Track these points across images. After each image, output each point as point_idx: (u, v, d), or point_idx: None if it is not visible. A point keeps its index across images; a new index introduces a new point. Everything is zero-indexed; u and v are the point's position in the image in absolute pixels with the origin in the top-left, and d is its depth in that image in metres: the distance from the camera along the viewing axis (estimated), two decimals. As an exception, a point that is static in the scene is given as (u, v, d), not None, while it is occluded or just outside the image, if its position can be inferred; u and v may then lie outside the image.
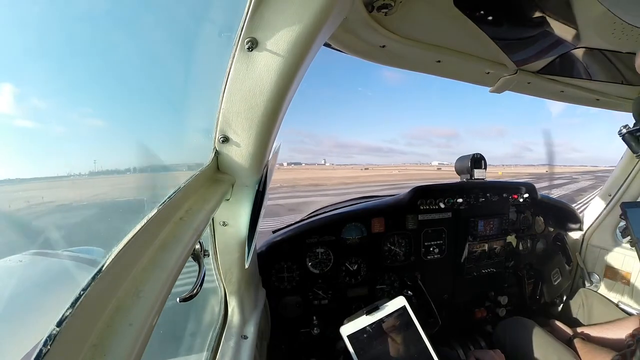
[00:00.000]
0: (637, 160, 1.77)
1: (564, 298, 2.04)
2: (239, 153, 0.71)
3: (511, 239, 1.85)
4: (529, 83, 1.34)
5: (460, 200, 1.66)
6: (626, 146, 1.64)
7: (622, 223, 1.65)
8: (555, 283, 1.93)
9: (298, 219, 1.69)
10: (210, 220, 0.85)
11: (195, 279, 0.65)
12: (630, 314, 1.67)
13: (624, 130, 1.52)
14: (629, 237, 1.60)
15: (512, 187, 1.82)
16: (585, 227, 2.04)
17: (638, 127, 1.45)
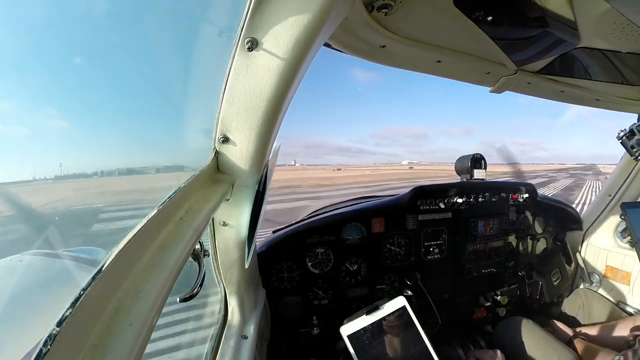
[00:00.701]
0: (637, 161, 1.77)
1: (564, 298, 2.04)
2: (239, 153, 0.71)
3: (511, 239, 1.85)
4: (529, 83, 1.34)
5: (460, 200, 1.66)
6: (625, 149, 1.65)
7: (622, 223, 1.65)
8: (555, 283, 1.93)
9: (296, 221, 1.70)
10: (210, 220, 0.85)
11: (195, 279, 0.65)
12: (630, 314, 1.67)
13: (622, 134, 1.54)
14: (629, 237, 1.60)
15: (512, 187, 1.82)
16: (585, 227, 2.04)
17: (629, 132, 1.47)
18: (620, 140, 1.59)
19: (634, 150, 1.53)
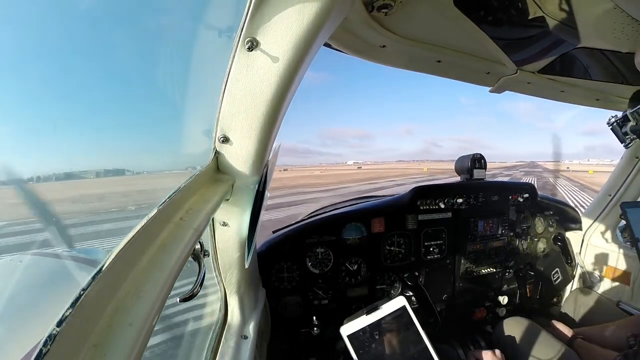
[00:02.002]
0: (637, 160, 1.77)
1: (564, 298, 2.04)
2: (239, 153, 0.71)
3: (511, 239, 1.86)
4: (529, 83, 1.34)
5: (460, 200, 1.66)
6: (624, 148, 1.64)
7: (622, 223, 1.65)
8: (555, 283, 1.93)
9: (299, 219, 1.70)
10: (210, 220, 0.85)
11: (195, 279, 0.65)
12: (630, 314, 1.67)
13: (612, 120, 1.51)
14: (628, 237, 1.60)
15: (512, 187, 1.82)
16: (585, 227, 2.04)
17: (622, 118, 1.44)
18: (611, 127, 1.56)
19: (627, 137, 1.50)
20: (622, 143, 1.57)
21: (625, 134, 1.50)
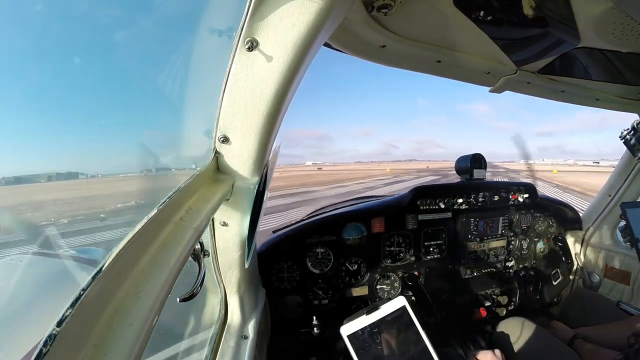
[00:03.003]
0: (637, 160, 1.77)
1: (564, 298, 2.04)
2: (239, 153, 0.71)
3: (511, 239, 1.86)
4: (528, 83, 1.34)
5: (460, 200, 1.66)
6: (625, 148, 1.64)
7: (622, 223, 1.65)
8: (555, 283, 1.93)
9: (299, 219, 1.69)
10: (210, 221, 0.85)
11: (195, 279, 0.65)
12: (630, 314, 1.67)
13: (624, 133, 1.53)
14: (628, 237, 1.60)
15: (512, 187, 1.82)
16: (585, 227, 2.04)
17: (632, 130, 1.46)
18: (623, 140, 1.58)
19: (636, 149, 1.52)
20: (635, 156, 1.59)
21: (635, 145, 1.52)
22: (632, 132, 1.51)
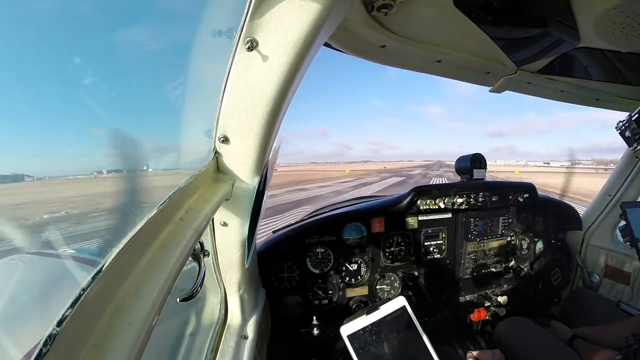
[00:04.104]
0: (637, 160, 1.77)
1: (564, 298, 2.04)
2: (239, 153, 0.71)
3: (511, 238, 1.86)
4: (529, 83, 1.34)
5: (460, 200, 1.66)
6: (626, 146, 1.64)
7: (622, 223, 1.65)
8: (555, 283, 1.93)
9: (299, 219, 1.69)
10: (210, 221, 0.85)
11: (195, 279, 0.65)
12: (630, 314, 1.67)
13: (620, 124, 1.51)
14: (628, 237, 1.60)
15: (512, 187, 1.82)
16: (585, 227, 2.04)
17: (627, 121, 1.44)
18: (619, 131, 1.56)
19: (632, 140, 1.50)
20: (629, 147, 1.57)
21: (629, 138, 1.50)
22: (628, 123, 1.49)
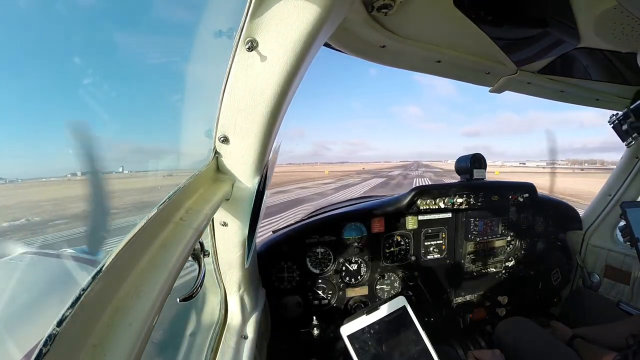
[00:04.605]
0: (637, 160, 1.77)
1: (564, 298, 2.04)
2: (239, 153, 0.71)
3: (511, 238, 1.86)
4: (529, 83, 1.34)
5: (460, 200, 1.66)
6: (626, 146, 1.63)
7: (622, 223, 1.65)
8: (555, 283, 1.93)
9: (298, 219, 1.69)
10: (210, 221, 0.85)
11: (195, 279, 0.65)
12: (630, 314, 1.67)
13: (614, 118, 1.50)
14: (628, 237, 1.60)
15: (512, 187, 1.82)
16: (585, 227, 2.04)
17: (623, 115, 1.42)
18: (613, 125, 1.54)
19: (628, 135, 1.49)
20: (623, 142, 1.55)
21: (627, 132, 1.48)
22: (623, 117, 1.46)
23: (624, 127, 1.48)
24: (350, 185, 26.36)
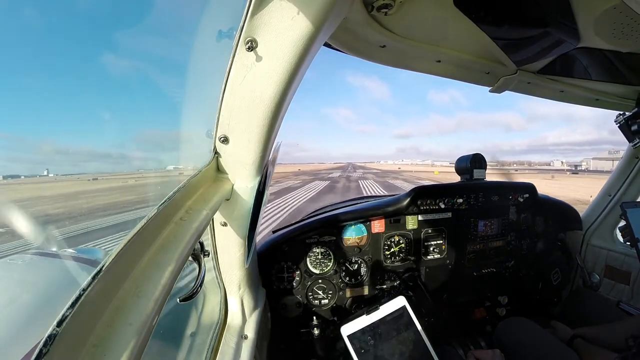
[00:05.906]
0: (637, 160, 1.77)
1: (564, 298, 2.04)
2: (239, 153, 0.71)
3: (511, 238, 1.86)
4: (528, 83, 1.34)
5: (460, 200, 1.66)
6: (627, 146, 1.63)
7: (622, 223, 1.65)
8: (555, 283, 1.93)
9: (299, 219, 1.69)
10: (210, 221, 0.85)
11: (195, 279, 0.65)
12: (630, 314, 1.67)
13: (621, 118, 1.49)
14: (628, 237, 1.60)
15: (512, 187, 1.82)
16: (585, 227, 2.04)
17: (631, 116, 1.40)
18: (619, 125, 1.52)
19: (635, 136, 1.47)
20: (630, 142, 1.53)
21: (634, 132, 1.47)
22: (632, 117, 1.44)
23: (634, 127, 1.46)
24: (290, 189, 24.30)
